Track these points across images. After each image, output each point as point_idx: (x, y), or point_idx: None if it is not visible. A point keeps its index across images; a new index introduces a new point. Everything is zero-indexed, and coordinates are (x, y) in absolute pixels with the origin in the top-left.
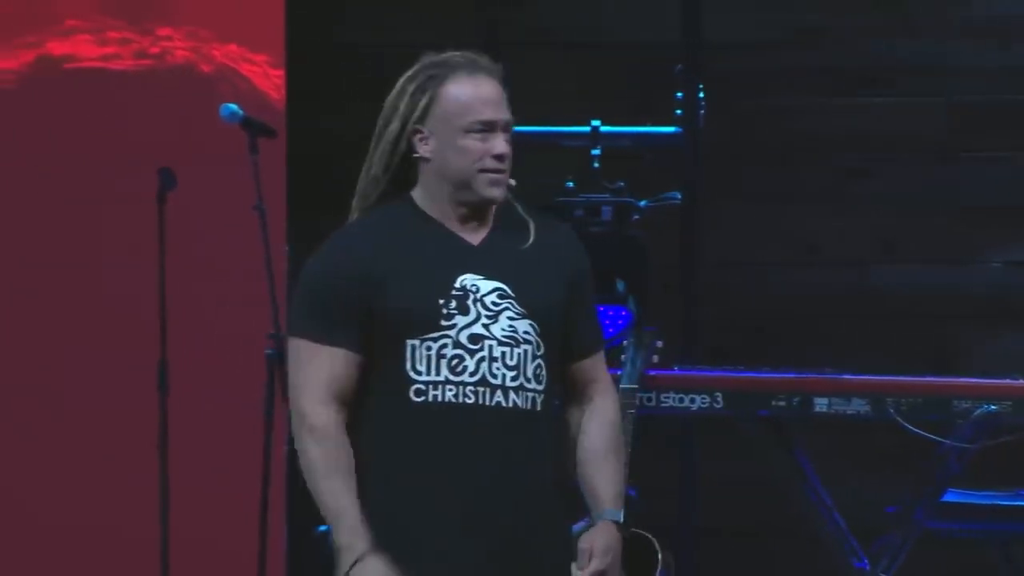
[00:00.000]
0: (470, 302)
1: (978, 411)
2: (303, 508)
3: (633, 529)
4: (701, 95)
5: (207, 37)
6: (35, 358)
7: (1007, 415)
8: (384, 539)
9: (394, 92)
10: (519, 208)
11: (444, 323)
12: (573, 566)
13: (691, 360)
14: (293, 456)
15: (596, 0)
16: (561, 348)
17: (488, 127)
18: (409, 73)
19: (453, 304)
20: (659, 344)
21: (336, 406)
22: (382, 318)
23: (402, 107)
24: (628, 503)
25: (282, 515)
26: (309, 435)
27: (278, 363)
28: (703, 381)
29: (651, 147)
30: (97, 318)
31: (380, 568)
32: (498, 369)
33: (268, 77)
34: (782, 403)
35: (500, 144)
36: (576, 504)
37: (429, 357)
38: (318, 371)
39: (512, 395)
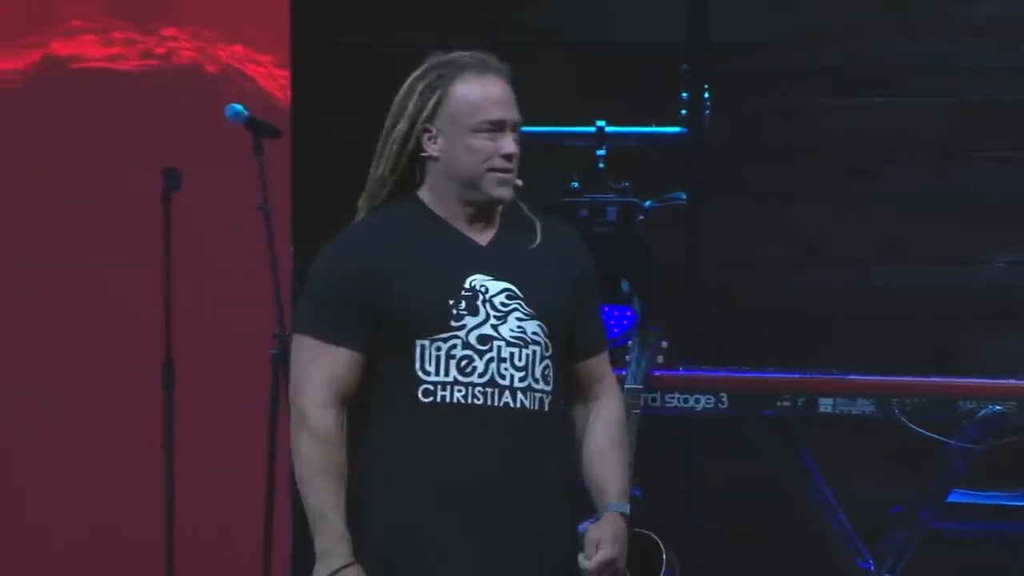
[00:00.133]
0: (479, 303)
1: (983, 411)
2: None
3: (637, 529)
4: (706, 95)
5: (212, 37)
6: (40, 358)
7: (1012, 415)
8: (390, 539)
9: (402, 91)
10: (525, 208)
11: (454, 324)
12: (580, 556)
13: (696, 360)
14: None
15: (601, 0)
16: (566, 348)
17: (497, 127)
18: (418, 72)
19: (463, 305)
20: (664, 344)
21: (336, 406)
22: (390, 318)
23: (411, 106)
24: (633, 503)
25: (287, 515)
26: (307, 434)
27: (283, 363)
28: (708, 381)
29: (656, 147)
30: (102, 318)
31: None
32: (506, 370)
33: (273, 77)
34: (787, 403)
35: (508, 144)
36: (582, 504)
37: (438, 358)
38: (320, 370)
39: (520, 396)
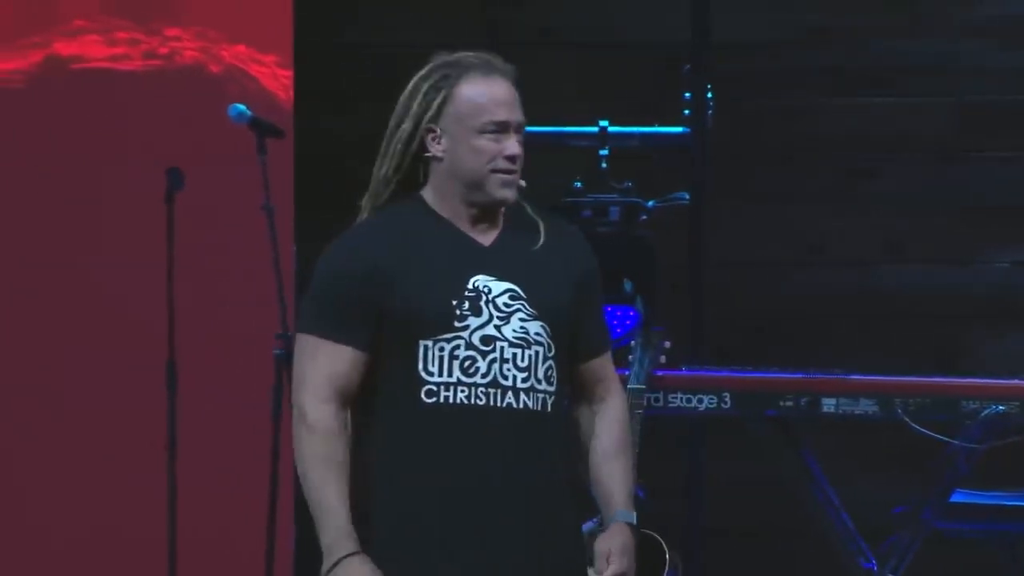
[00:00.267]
0: (482, 303)
1: (986, 411)
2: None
3: (641, 529)
4: (709, 95)
5: (216, 38)
6: (43, 358)
7: (1015, 415)
8: (393, 538)
9: (407, 91)
10: (529, 209)
11: (458, 324)
12: (590, 571)
13: (699, 360)
14: None
15: (604, 0)
16: (569, 349)
17: (501, 128)
18: (422, 72)
19: (466, 305)
20: (667, 344)
21: (337, 404)
22: (393, 318)
23: (415, 106)
24: (636, 503)
25: (290, 515)
26: (306, 430)
27: (286, 363)
28: (711, 381)
29: (659, 147)
30: (105, 318)
31: (364, 569)
32: (509, 370)
33: (276, 78)
34: (790, 403)
35: (513, 145)
36: (585, 504)
37: (442, 358)
38: (322, 367)
39: (523, 396)
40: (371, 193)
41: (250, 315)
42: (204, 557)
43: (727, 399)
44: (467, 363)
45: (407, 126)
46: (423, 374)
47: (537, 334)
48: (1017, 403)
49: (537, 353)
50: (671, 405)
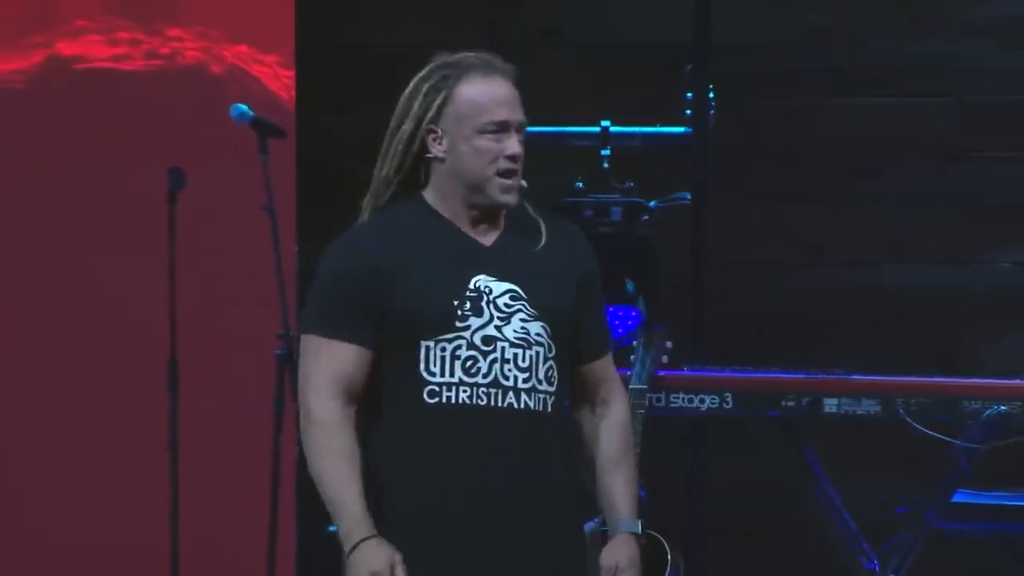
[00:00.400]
0: (483, 303)
1: (988, 412)
2: (313, 508)
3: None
4: (711, 95)
5: (217, 38)
6: (45, 359)
7: (1017, 415)
8: (396, 538)
9: (407, 92)
10: (530, 209)
11: (459, 324)
12: None
13: (700, 360)
14: (303, 456)
15: (607, 1)
16: (570, 350)
17: (502, 128)
18: (423, 73)
19: (467, 305)
20: (668, 344)
21: (343, 400)
22: (395, 318)
23: (416, 107)
24: (638, 504)
25: (292, 515)
26: (313, 426)
27: (288, 363)
28: (712, 381)
29: (660, 147)
30: (107, 318)
31: (381, 551)
32: (510, 371)
33: (278, 78)
34: (791, 403)
35: (514, 145)
36: (586, 504)
37: (443, 358)
38: (326, 366)
39: (524, 396)
40: (372, 194)
41: (252, 315)
42: (206, 557)
43: (729, 399)
44: (468, 363)
45: (408, 127)
46: (425, 374)
47: (538, 334)
48: (1018, 403)
49: (538, 354)
50: (673, 405)
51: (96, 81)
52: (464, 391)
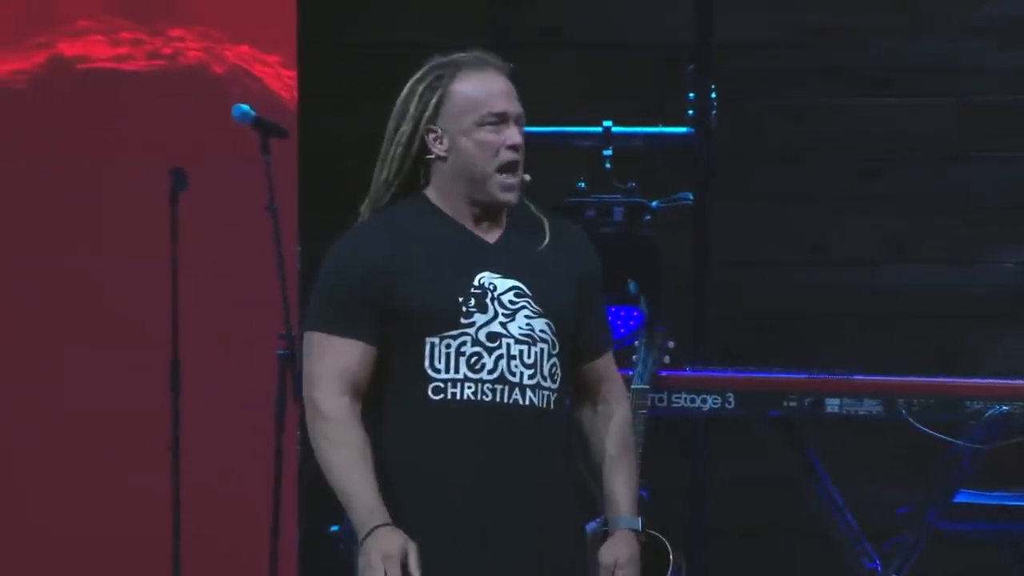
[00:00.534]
0: (488, 300)
1: (990, 412)
2: (315, 508)
3: (645, 530)
4: (713, 95)
5: (219, 38)
6: (48, 359)
7: (1019, 416)
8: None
9: (403, 95)
10: (532, 207)
11: (464, 321)
12: None
13: (702, 360)
14: (305, 456)
15: (609, 1)
16: (572, 348)
17: (501, 118)
18: (417, 75)
19: (472, 302)
20: (670, 344)
21: (349, 396)
22: (400, 316)
23: (412, 108)
24: (639, 504)
25: (294, 515)
26: (320, 422)
27: (290, 363)
28: (714, 382)
29: (663, 148)
30: (109, 318)
31: (394, 537)
32: (516, 367)
33: (280, 78)
34: (794, 404)
35: (514, 135)
36: (587, 504)
37: (448, 355)
38: (331, 362)
39: (529, 393)
40: (371, 199)
41: (254, 315)
42: (208, 557)
43: (731, 399)
44: (473, 359)
45: (406, 128)
46: (430, 371)
47: (542, 331)
48: (1021, 403)
49: (543, 350)
50: (675, 405)
51: (98, 81)
52: (469, 387)
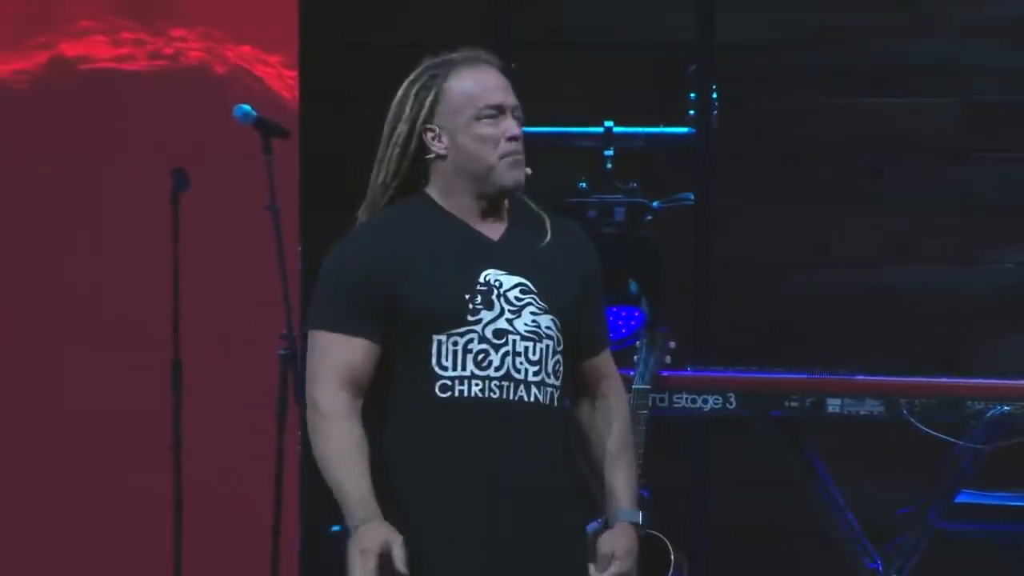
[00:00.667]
0: (494, 297)
1: (991, 412)
2: (316, 508)
3: (646, 530)
4: (714, 95)
5: (221, 38)
6: (49, 359)
7: (1020, 416)
8: (404, 533)
9: (398, 97)
10: (532, 205)
11: (470, 318)
12: (592, 568)
13: (704, 361)
14: (306, 456)
15: (609, 1)
16: (572, 345)
17: (498, 111)
18: (411, 77)
19: (478, 299)
20: (672, 344)
21: (349, 392)
22: (405, 315)
23: (408, 109)
24: (641, 504)
25: (295, 515)
26: (320, 418)
27: (291, 363)
28: (716, 382)
29: (664, 148)
30: (111, 318)
31: (375, 533)
32: (521, 364)
33: (282, 78)
34: (795, 404)
35: (512, 126)
36: (590, 505)
37: (455, 352)
38: (331, 359)
39: (534, 390)
40: (368, 202)
41: (255, 315)
42: (209, 557)
43: (732, 399)
44: (480, 356)
45: (403, 129)
46: (437, 369)
47: (548, 328)
48: (1022, 403)
49: (548, 347)
50: (676, 405)
51: (100, 81)
52: (476, 384)
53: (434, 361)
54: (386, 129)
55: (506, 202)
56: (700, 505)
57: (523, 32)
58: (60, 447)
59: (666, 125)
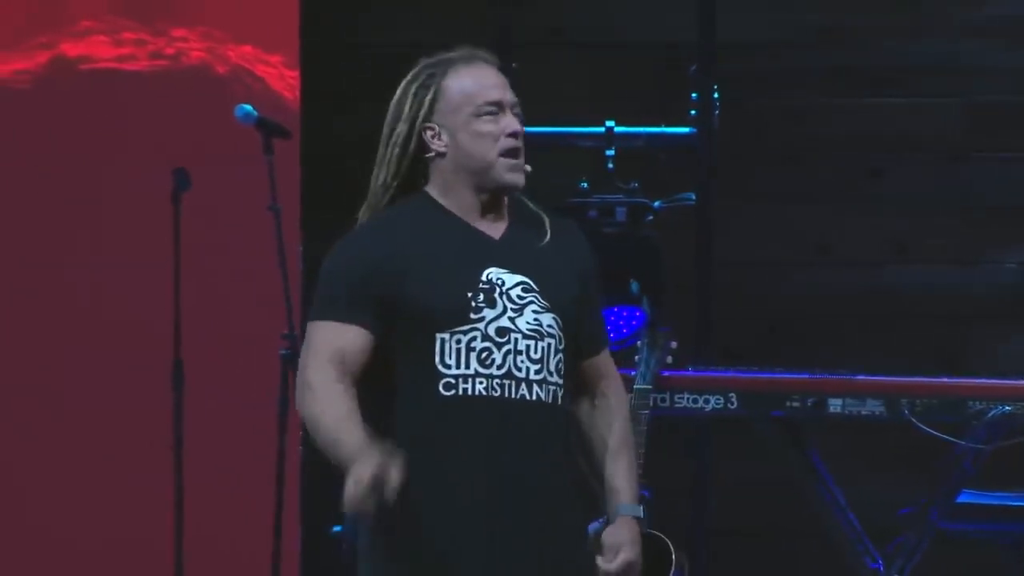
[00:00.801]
0: (496, 295)
1: (992, 412)
2: (317, 509)
3: (647, 529)
4: (715, 95)
5: (222, 38)
6: (50, 359)
7: (1021, 416)
8: (408, 530)
9: (396, 97)
10: (531, 204)
11: (473, 316)
12: (599, 559)
13: (705, 361)
14: (307, 456)
15: (610, 0)
16: (572, 345)
17: (497, 107)
18: (409, 77)
19: (481, 297)
20: (673, 345)
21: (338, 369)
22: (407, 312)
23: (407, 108)
24: (642, 504)
25: (296, 515)
26: (308, 392)
27: (292, 363)
28: (717, 382)
29: (665, 148)
30: (112, 318)
31: (373, 457)
32: (523, 362)
33: (283, 78)
34: (796, 404)
35: (512, 122)
36: (592, 505)
37: (458, 350)
38: (322, 344)
39: (536, 388)
40: (369, 203)
41: (256, 315)
42: (210, 557)
43: (733, 399)
44: (483, 354)
45: (402, 129)
46: (440, 367)
47: (550, 326)
48: (1023, 403)
49: (549, 345)
50: (677, 405)
51: (101, 81)
52: (480, 382)
53: (437, 359)
54: (385, 129)
55: (506, 201)
56: (701, 505)
57: (523, 32)
58: (61, 447)
59: (667, 125)
